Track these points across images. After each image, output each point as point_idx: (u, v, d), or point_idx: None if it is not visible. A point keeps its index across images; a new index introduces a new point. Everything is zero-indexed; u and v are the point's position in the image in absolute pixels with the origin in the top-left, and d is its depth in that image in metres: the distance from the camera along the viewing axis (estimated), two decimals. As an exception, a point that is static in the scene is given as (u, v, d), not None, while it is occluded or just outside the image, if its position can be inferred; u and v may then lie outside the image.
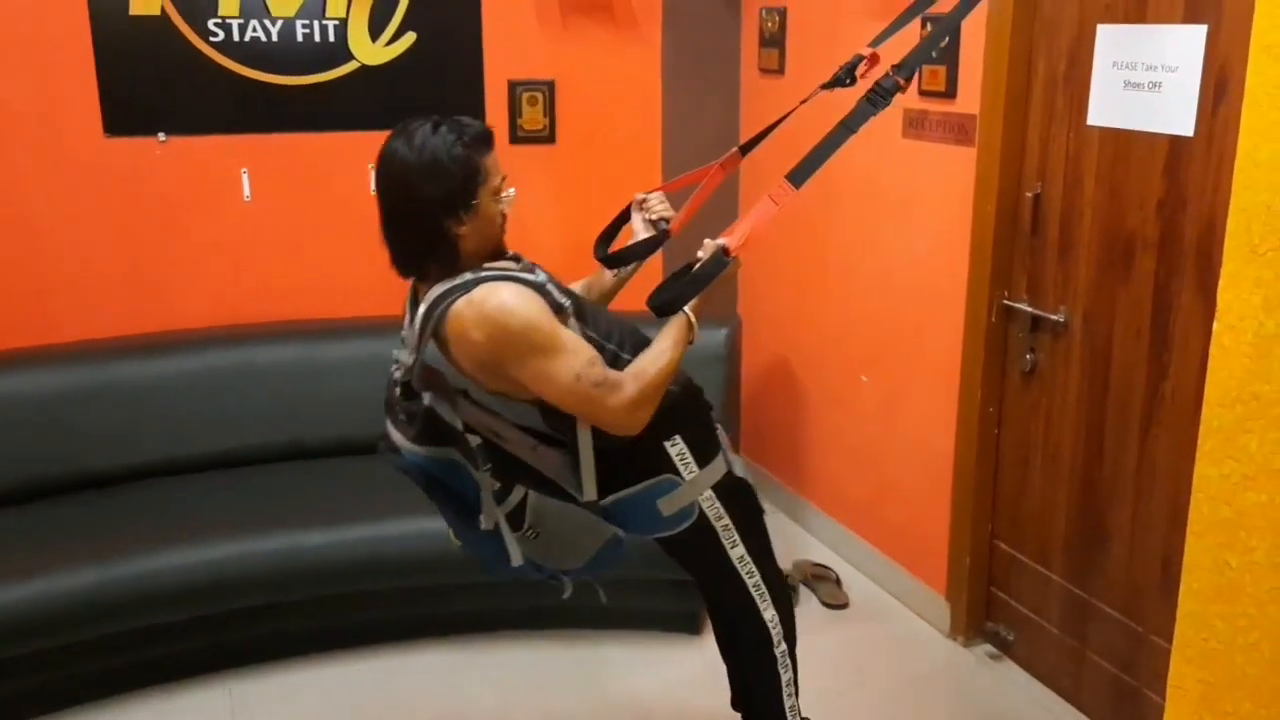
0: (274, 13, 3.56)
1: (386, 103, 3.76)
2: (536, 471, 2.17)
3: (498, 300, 1.99)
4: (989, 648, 3.36)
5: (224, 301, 3.72)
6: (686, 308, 2.09)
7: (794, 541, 4.05)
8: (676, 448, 2.19)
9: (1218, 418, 1.90)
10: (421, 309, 2.08)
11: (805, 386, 4.07)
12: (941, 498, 3.38)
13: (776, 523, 4.20)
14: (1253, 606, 1.87)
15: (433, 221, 2.04)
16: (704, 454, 2.23)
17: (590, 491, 2.15)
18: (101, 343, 3.53)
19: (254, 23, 3.54)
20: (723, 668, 2.54)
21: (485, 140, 2.09)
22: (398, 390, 2.16)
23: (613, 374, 2.03)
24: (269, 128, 3.66)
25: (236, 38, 3.54)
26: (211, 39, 3.51)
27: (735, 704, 2.53)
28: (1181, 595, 2.01)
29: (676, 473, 2.19)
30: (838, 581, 3.71)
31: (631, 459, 2.17)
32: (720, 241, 2.06)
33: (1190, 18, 2.48)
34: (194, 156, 3.59)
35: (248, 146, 3.65)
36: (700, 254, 2.08)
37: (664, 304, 2.08)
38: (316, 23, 3.62)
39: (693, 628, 3.41)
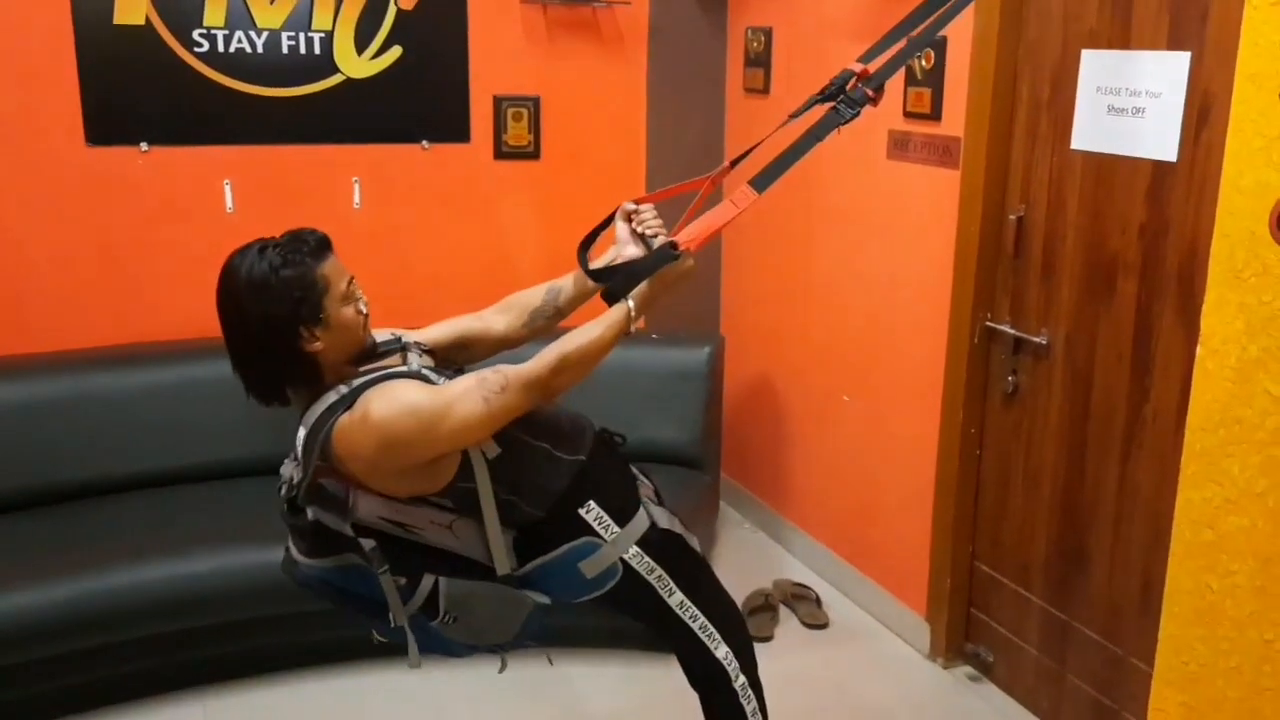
0: (259, 24, 3.55)
1: (371, 116, 3.76)
2: (447, 555, 2.13)
3: (379, 410, 1.94)
4: (969, 669, 3.36)
5: (204, 313, 3.63)
6: (630, 298, 2.06)
7: (774, 561, 4.04)
8: (592, 513, 2.16)
9: (1200, 441, 1.91)
10: (301, 433, 2.03)
11: (787, 405, 4.07)
12: (922, 518, 3.38)
13: (757, 542, 4.21)
14: (1234, 630, 1.88)
15: (279, 345, 1.98)
16: (623, 512, 2.20)
17: (503, 564, 2.12)
18: (80, 353, 3.50)
19: (239, 34, 3.53)
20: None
21: (319, 250, 2.00)
22: (285, 507, 2.12)
23: (510, 371, 2.00)
24: (252, 139, 3.64)
25: (221, 49, 3.53)
26: (196, 49, 3.50)
27: None
28: (1163, 618, 2.02)
29: (596, 535, 2.16)
30: (818, 601, 3.70)
31: (549, 527, 2.15)
32: (670, 238, 2.08)
33: (1174, 44, 2.51)
34: (176, 167, 3.58)
35: (231, 158, 3.63)
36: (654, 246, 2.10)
37: (610, 291, 2.07)
38: (302, 35, 3.61)
39: (664, 646, 3.39)
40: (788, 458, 4.09)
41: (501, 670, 2.32)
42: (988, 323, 3.10)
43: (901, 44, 2.36)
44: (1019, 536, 3.11)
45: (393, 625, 2.12)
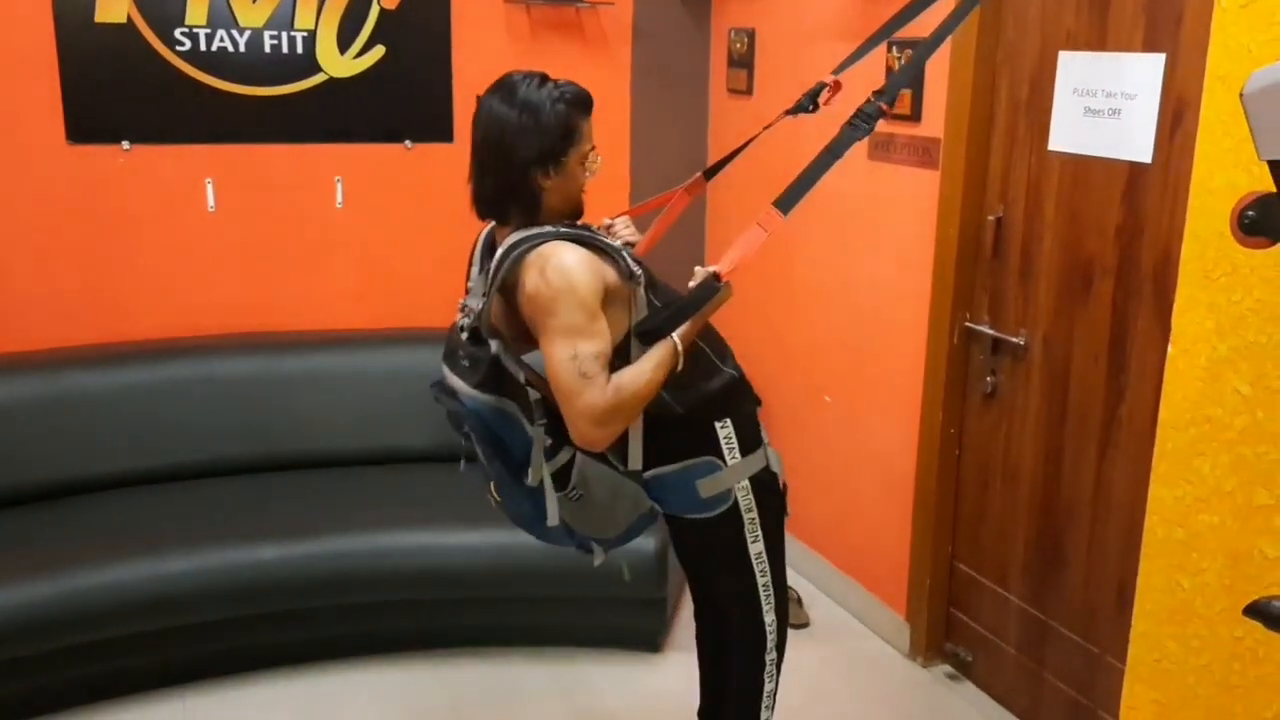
0: (242, 23, 3.55)
1: (354, 116, 3.76)
2: None
3: (558, 259, 2.02)
4: (947, 668, 3.37)
5: (185, 312, 3.69)
6: (675, 334, 2.07)
7: (756, 560, 4.05)
8: (725, 430, 2.21)
9: (1171, 440, 1.92)
10: (499, 251, 2.11)
11: (769, 405, 4.04)
12: (902, 518, 3.39)
13: (739, 541, 4.21)
14: (1204, 628, 1.89)
15: (520, 169, 2.08)
16: (748, 443, 2.24)
17: (636, 459, 2.16)
18: (60, 352, 3.49)
19: (221, 32, 3.53)
20: (685, 685, 2.52)
21: (585, 104, 2.13)
22: (464, 335, 2.18)
23: (604, 376, 2.02)
24: (234, 138, 3.64)
25: (203, 47, 3.52)
26: (178, 48, 3.49)
27: (703, 714, 2.52)
28: (1135, 616, 2.04)
29: (719, 456, 2.20)
30: (799, 601, 3.71)
31: (680, 432, 2.18)
32: (711, 268, 2.07)
33: (1149, 46, 2.52)
34: (158, 166, 3.57)
35: (213, 156, 3.63)
36: (691, 283, 2.09)
37: (650, 329, 2.08)
38: (285, 34, 3.61)
39: (654, 646, 3.40)
40: (770, 458, 4.10)
41: (597, 564, 2.34)
42: (967, 323, 3.11)
43: (883, 52, 2.37)
44: (998, 536, 3.13)
45: (529, 482, 2.14)
